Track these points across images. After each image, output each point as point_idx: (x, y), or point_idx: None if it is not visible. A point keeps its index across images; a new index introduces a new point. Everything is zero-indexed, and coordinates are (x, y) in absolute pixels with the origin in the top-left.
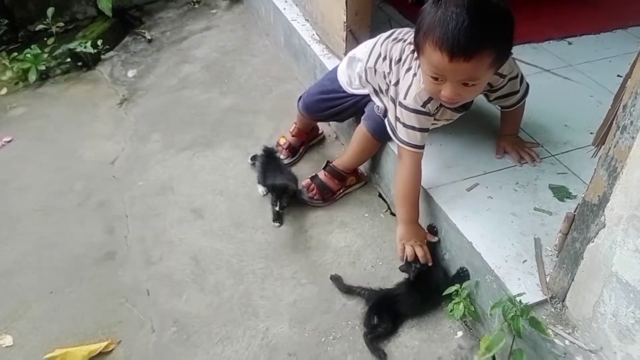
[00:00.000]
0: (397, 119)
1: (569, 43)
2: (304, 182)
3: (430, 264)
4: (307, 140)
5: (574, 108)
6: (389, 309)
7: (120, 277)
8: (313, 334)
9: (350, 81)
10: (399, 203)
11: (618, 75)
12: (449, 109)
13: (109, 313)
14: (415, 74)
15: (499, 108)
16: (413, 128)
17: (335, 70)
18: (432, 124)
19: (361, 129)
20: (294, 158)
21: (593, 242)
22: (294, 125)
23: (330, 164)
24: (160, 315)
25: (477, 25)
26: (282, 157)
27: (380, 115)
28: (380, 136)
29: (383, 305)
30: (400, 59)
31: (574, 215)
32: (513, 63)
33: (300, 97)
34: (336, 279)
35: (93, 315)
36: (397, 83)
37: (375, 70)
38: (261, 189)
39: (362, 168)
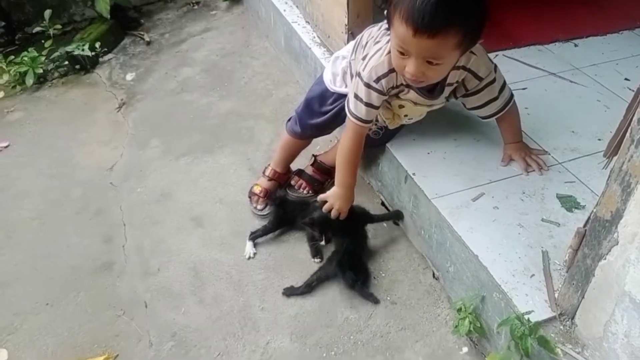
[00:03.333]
0: (353, 88)
1: (575, 45)
2: (292, 180)
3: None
4: (282, 182)
5: (581, 113)
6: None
7: (117, 288)
8: (314, 348)
9: (333, 79)
10: (338, 167)
11: (626, 79)
12: (416, 91)
13: (106, 326)
14: (380, 49)
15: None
16: (361, 100)
17: (321, 76)
18: (405, 116)
19: None
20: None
21: (605, 259)
22: (269, 167)
23: (318, 160)
24: (158, 328)
25: (445, 4)
26: (260, 208)
27: None
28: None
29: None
30: (376, 38)
31: (585, 230)
32: (492, 67)
33: (289, 119)
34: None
35: (90, 328)
36: (364, 57)
37: (356, 59)
38: (250, 249)
39: (364, 175)
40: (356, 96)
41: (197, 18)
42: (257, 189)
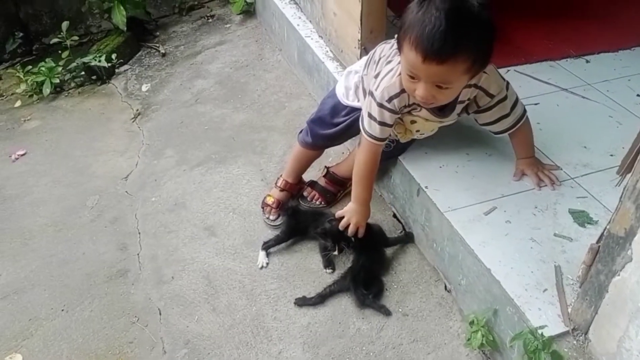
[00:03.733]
0: (366, 107)
1: (587, 61)
2: (304, 192)
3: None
4: (294, 193)
5: (593, 129)
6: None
7: (132, 295)
8: (326, 359)
9: (346, 93)
10: (354, 184)
11: (638, 95)
12: (427, 109)
13: (120, 333)
14: (392, 69)
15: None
16: (374, 120)
17: (334, 89)
18: (417, 132)
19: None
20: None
21: (619, 275)
22: (281, 178)
23: (331, 171)
24: (171, 335)
25: (454, 31)
26: (273, 219)
27: None
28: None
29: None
30: (388, 56)
31: (599, 247)
32: (504, 85)
33: (301, 130)
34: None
35: (104, 334)
36: (377, 75)
37: (368, 75)
38: (263, 259)
39: (376, 186)
40: (370, 115)
41: (211, 31)
42: (269, 200)
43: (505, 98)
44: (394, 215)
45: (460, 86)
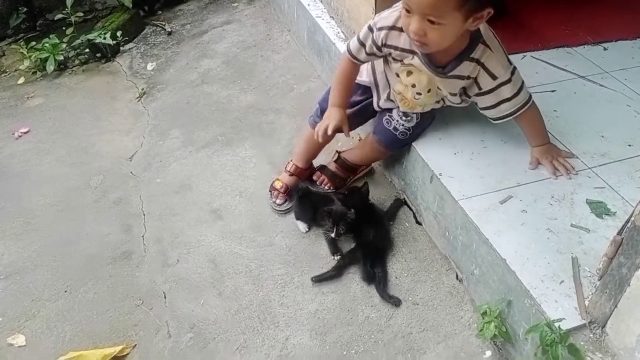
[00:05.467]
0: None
1: (605, 48)
2: (314, 176)
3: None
4: (302, 178)
5: (610, 118)
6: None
7: (136, 278)
8: (334, 346)
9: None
10: (331, 91)
11: None
12: (420, 58)
13: (124, 315)
14: (394, 8)
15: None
16: (358, 37)
17: None
18: (414, 88)
19: (372, 140)
20: (292, 202)
21: None
22: (291, 162)
23: (342, 157)
24: (177, 319)
25: None
26: (280, 203)
27: (391, 129)
28: (391, 148)
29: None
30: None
31: (622, 239)
32: (510, 68)
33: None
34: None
35: (108, 317)
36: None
37: None
38: (303, 226)
39: (386, 172)
40: (357, 35)
41: (218, 10)
42: (277, 184)
43: (508, 81)
44: (405, 202)
45: (452, 26)
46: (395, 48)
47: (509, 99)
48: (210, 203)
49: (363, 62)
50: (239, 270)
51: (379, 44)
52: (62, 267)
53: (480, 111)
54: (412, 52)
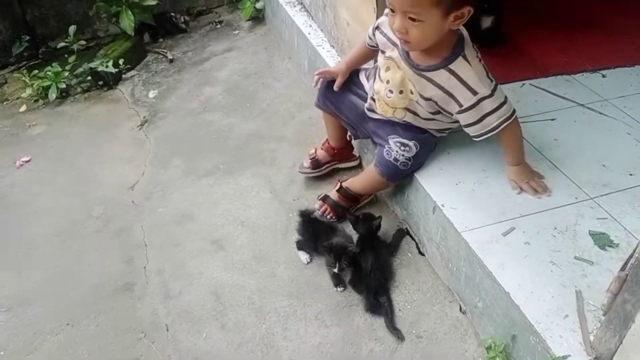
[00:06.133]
0: None
1: (603, 76)
2: (316, 205)
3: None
4: (335, 159)
5: (611, 146)
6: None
7: (138, 310)
8: None
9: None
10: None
11: None
12: (399, 51)
13: (126, 349)
14: None
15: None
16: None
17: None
18: (388, 84)
19: (374, 171)
20: (314, 171)
21: None
22: (325, 139)
23: (344, 187)
24: (179, 353)
25: None
26: (305, 167)
27: (391, 160)
28: (393, 179)
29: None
30: None
31: (626, 275)
32: (490, 84)
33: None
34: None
35: (110, 350)
36: None
37: None
38: (304, 257)
39: (389, 201)
40: None
41: (219, 37)
42: (312, 150)
43: (490, 96)
44: (407, 232)
45: (432, 23)
46: (383, 34)
47: (491, 112)
48: (212, 233)
49: (369, 45)
50: (242, 302)
51: (375, 26)
52: (64, 299)
53: (464, 129)
54: (394, 44)
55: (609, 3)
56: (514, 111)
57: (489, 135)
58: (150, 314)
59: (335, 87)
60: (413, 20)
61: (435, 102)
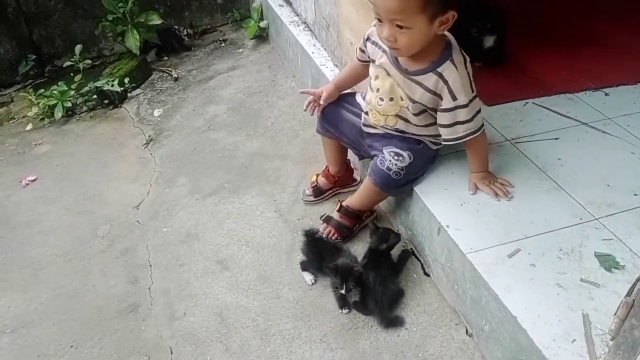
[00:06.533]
0: None
1: (606, 94)
2: (320, 228)
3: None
4: (336, 185)
5: (615, 166)
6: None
7: (143, 332)
8: None
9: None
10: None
11: None
12: (388, 57)
13: None
14: None
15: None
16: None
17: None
18: (378, 92)
19: (368, 181)
20: (316, 199)
21: None
22: (325, 166)
23: (344, 206)
24: None
25: None
26: (307, 195)
27: (384, 169)
28: (386, 189)
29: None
30: None
31: (633, 301)
32: (470, 95)
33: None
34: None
35: None
36: None
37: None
38: (309, 277)
39: (393, 220)
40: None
41: (224, 56)
42: (313, 178)
43: (465, 106)
44: (412, 252)
45: (419, 30)
46: (373, 43)
47: (462, 122)
48: (216, 253)
49: (360, 60)
50: (246, 324)
51: (365, 37)
52: (68, 320)
53: (438, 128)
54: (384, 51)
55: (610, 20)
56: (482, 126)
57: (456, 142)
58: (155, 336)
59: (322, 101)
60: (400, 27)
61: (424, 105)
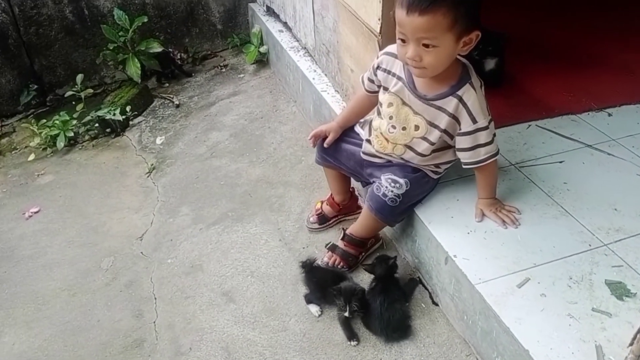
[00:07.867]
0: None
1: (609, 114)
2: (325, 257)
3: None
4: (341, 213)
5: (621, 189)
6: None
7: None
8: None
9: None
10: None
11: None
12: (405, 85)
13: None
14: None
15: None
16: (369, 69)
17: None
18: (390, 120)
19: (366, 208)
20: (321, 226)
21: None
22: (330, 194)
23: (347, 234)
24: None
25: None
26: (312, 222)
27: (380, 195)
28: (381, 215)
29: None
30: None
31: None
32: (488, 117)
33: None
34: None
35: None
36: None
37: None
38: (315, 309)
39: (399, 248)
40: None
41: (225, 81)
42: (317, 205)
43: (485, 128)
44: (420, 281)
45: (446, 48)
46: (385, 70)
47: (484, 145)
48: (221, 285)
49: (369, 91)
50: (253, 358)
51: (375, 66)
52: (73, 357)
53: (458, 153)
54: (399, 78)
55: (610, 40)
56: (498, 149)
57: (477, 166)
58: None
59: (326, 144)
60: (427, 46)
61: (444, 130)
